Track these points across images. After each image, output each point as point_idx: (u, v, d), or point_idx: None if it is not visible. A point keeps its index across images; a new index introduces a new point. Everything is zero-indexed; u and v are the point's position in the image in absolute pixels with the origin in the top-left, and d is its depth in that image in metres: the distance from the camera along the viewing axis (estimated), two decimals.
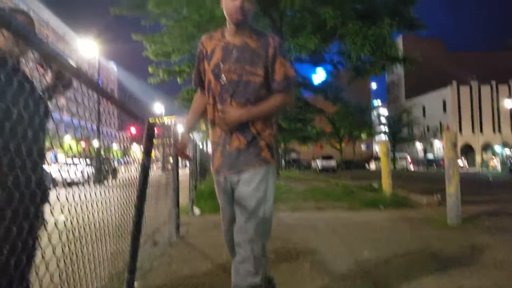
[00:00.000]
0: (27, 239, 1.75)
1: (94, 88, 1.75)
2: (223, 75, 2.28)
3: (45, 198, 1.98)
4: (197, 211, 7.79)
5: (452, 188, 6.45)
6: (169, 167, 5.87)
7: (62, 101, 2.19)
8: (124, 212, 2.89)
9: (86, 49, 25.37)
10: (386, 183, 9.83)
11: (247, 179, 2.27)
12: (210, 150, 2.51)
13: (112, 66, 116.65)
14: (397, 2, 13.51)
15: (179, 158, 5.75)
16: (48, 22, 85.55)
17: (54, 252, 1.68)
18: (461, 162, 51.74)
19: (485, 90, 66.98)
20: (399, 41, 61.08)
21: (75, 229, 2.06)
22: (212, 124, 2.37)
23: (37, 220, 1.91)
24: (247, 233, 2.21)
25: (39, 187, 1.84)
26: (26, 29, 1.22)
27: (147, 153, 2.47)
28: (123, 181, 2.99)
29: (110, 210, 2.59)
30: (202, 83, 2.44)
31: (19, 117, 1.58)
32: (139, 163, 2.74)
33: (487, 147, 65.41)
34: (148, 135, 2.51)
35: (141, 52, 17.99)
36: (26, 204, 1.71)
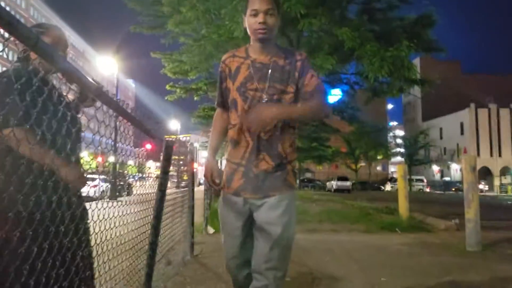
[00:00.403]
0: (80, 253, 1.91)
1: (114, 108, 1.74)
2: (251, 94, 2.18)
3: (86, 214, 2.09)
4: (210, 230, 7.74)
5: (471, 213, 6.32)
6: (183, 184, 5.85)
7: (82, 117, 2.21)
8: (139, 229, 2.86)
9: (105, 66, 25.77)
10: (403, 206, 9.68)
11: (273, 204, 2.15)
12: (224, 169, 2.29)
13: (130, 83, 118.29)
14: (415, 24, 13.47)
15: (194, 176, 5.73)
16: (69, 38, 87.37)
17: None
18: (482, 186, 50.96)
19: (504, 113, 66.15)
20: (417, 62, 60.86)
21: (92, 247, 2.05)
22: (236, 144, 2.22)
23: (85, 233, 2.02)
24: (270, 261, 2.12)
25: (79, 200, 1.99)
26: (51, 49, 1.23)
27: (164, 172, 2.44)
28: (138, 197, 2.97)
29: (126, 228, 2.57)
30: (225, 103, 2.35)
31: (58, 128, 1.64)
32: (153, 179, 2.73)
33: (505, 170, 64.28)
34: (166, 154, 2.49)
35: (159, 70, 18.21)
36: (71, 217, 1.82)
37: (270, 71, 2.20)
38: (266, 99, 2.16)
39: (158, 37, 17.12)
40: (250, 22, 2.20)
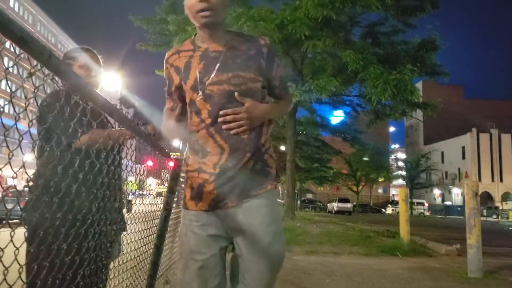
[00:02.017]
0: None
1: (127, 125, 1.75)
2: (212, 89, 1.79)
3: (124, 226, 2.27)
4: None
5: (473, 239, 6.27)
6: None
7: None
8: (139, 247, 2.84)
9: (110, 82, 25.91)
10: (403, 229, 9.61)
11: (255, 206, 1.78)
12: (186, 185, 1.92)
13: (134, 99, 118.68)
14: (419, 48, 13.60)
15: None
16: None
17: None
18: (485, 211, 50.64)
19: (505, 138, 66.12)
20: (419, 86, 61.21)
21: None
22: (203, 152, 1.81)
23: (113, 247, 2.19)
24: (262, 279, 1.76)
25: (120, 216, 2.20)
26: (64, 66, 1.24)
27: (171, 191, 2.43)
28: (138, 214, 2.95)
29: (128, 247, 2.55)
30: (181, 108, 1.94)
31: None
32: (154, 196, 2.73)
33: (507, 196, 63.95)
34: (174, 173, 2.48)
35: (163, 87, 18.33)
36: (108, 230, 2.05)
37: (227, 57, 1.82)
38: (232, 91, 1.78)
39: (163, 55, 17.32)
40: (189, 3, 1.79)
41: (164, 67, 1.97)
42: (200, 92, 1.80)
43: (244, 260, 1.78)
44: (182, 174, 5.68)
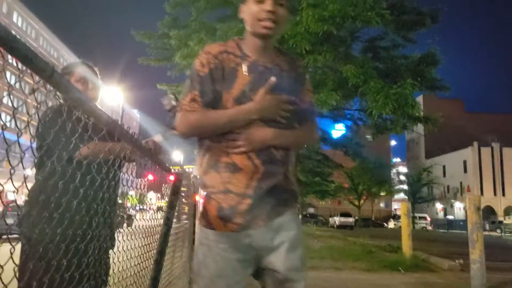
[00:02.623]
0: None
1: (129, 140, 1.76)
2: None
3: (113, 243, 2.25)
4: None
5: (476, 254, 6.22)
6: (184, 216, 5.80)
7: None
8: (139, 263, 2.82)
9: (111, 96, 26.06)
10: (406, 244, 9.56)
11: (286, 225, 1.72)
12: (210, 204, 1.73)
13: (135, 113, 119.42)
14: (419, 63, 13.65)
15: (196, 210, 5.69)
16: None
17: None
18: (488, 226, 50.22)
19: (507, 152, 66.08)
20: (420, 100, 61.41)
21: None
22: (234, 169, 1.67)
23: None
24: None
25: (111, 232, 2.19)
26: (66, 81, 1.25)
27: (171, 206, 2.42)
28: (138, 229, 2.94)
29: (128, 263, 2.53)
30: (215, 108, 1.72)
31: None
32: (154, 210, 2.73)
33: (509, 210, 63.66)
34: (174, 188, 2.48)
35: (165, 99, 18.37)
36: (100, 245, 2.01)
37: (276, 76, 1.72)
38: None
39: (164, 69, 17.39)
40: (252, 10, 1.69)
41: (210, 60, 1.72)
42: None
43: (272, 277, 1.72)
44: (183, 189, 5.66)
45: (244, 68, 1.70)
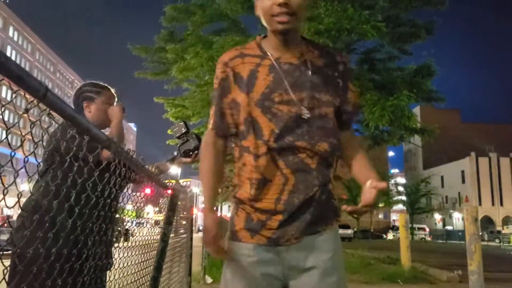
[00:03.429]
0: None
1: (124, 159, 1.76)
2: (283, 109, 1.52)
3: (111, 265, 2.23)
4: (208, 279, 7.58)
5: (474, 266, 6.20)
6: (181, 230, 5.77)
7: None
8: (136, 279, 2.80)
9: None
10: (404, 256, 9.53)
11: (321, 245, 1.55)
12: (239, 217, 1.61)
13: (132, 127, 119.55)
14: (415, 74, 13.73)
15: (193, 224, 5.66)
16: (73, 82, 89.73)
17: None
18: (486, 236, 50.13)
19: (504, 162, 66.22)
20: (417, 110, 61.73)
21: None
22: (263, 183, 1.52)
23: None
24: None
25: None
26: (60, 101, 1.25)
27: (168, 222, 2.42)
28: (136, 244, 2.92)
29: (123, 280, 2.51)
30: (227, 127, 1.62)
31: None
32: (152, 224, 2.72)
33: (507, 220, 63.58)
34: (171, 204, 2.48)
35: (161, 114, 18.40)
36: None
37: (308, 74, 1.55)
38: (307, 115, 1.52)
39: (161, 83, 17.45)
40: (265, 5, 1.51)
41: (220, 70, 1.62)
42: (267, 111, 1.52)
43: None
44: (179, 202, 5.63)
45: (264, 68, 1.55)
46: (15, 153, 1.13)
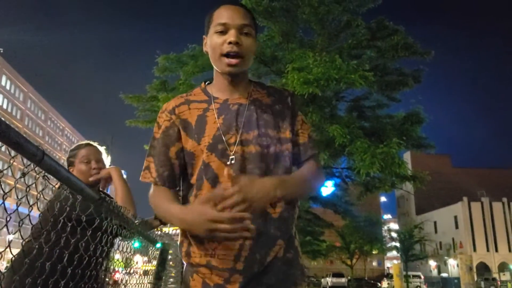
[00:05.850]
0: None
1: (115, 216, 1.78)
2: (236, 150, 1.42)
3: None
4: None
5: None
6: (171, 280, 5.65)
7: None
8: None
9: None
10: None
11: None
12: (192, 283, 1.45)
13: (123, 174, 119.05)
14: (404, 122, 14.00)
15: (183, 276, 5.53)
16: (64, 129, 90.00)
17: None
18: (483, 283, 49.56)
19: (497, 206, 66.20)
20: (407, 156, 62.34)
21: None
22: (220, 239, 1.33)
23: None
24: None
25: None
26: (55, 165, 1.28)
27: (158, 278, 2.40)
28: None
29: None
30: (173, 178, 1.50)
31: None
32: (140, 274, 2.69)
33: (503, 266, 62.85)
34: (161, 259, 2.47)
35: None
36: None
37: (256, 112, 1.49)
38: (259, 153, 1.44)
39: (152, 131, 17.60)
40: (214, 43, 1.46)
41: (164, 119, 1.55)
42: (221, 155, 1.42)
43: None
44: (170, 257, 5.56)
45: (212, 112, 1.48)
46: (10, 217, 1.15)
